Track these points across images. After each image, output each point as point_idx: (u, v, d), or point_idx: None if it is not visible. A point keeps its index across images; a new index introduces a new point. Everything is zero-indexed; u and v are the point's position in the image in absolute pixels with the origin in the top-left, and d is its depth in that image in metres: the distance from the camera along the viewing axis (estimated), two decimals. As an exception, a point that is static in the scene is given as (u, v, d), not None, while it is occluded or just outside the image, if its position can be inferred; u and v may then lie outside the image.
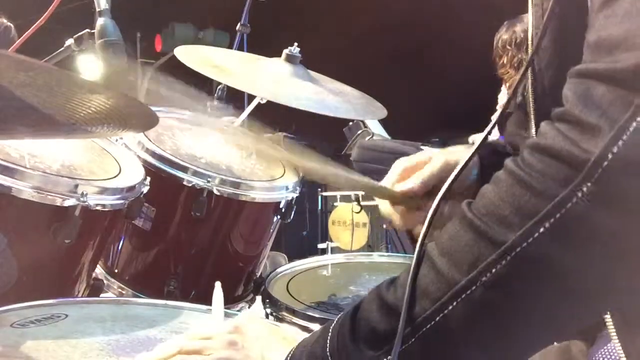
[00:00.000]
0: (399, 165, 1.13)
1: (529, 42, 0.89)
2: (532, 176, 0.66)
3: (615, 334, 0.75)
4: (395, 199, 1.10)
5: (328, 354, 0.77)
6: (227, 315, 1.10)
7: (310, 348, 0.80)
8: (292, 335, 0.91)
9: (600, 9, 0.68)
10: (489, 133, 0.83)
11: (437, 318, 0.69)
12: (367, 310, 0.76)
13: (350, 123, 3.78)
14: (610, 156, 0.62)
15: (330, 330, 0.79)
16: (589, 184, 0.63)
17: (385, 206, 1.13)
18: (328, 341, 0.78)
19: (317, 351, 0.78)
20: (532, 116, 0.90)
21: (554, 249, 0.65)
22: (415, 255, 0.74)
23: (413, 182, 1.08)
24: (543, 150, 0.66)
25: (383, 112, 1.96)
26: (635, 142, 0.61)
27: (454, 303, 0.68)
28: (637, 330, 0.75)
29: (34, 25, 1.55)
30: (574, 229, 0.64)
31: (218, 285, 1.12)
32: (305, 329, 1.35)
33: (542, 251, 0.65)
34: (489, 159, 1.05)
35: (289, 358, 0.82)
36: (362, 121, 3.74)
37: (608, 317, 0.76)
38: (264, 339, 0.89)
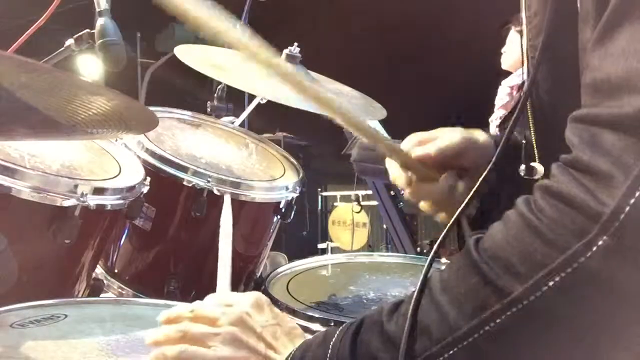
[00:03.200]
0: (415, 135, 1.09)
1: (524, 54, 0.89)
2: (543, 223, 0.63)
3: None
4: (408, 162, 1.05)
5: None
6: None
7: (311, 356, 0.80)
8: (296, 331, 0.91)
9: (595, 47, 0.65)
10: (508, 140, 0.81)
11: None
12: (368, 334, 0.75)
13: (350, 123, 3.76)
14: (627, 208, 0.59)
15: (331, 347, 0.78)
16: (605, 238, 0.59)
17: (395, 169, 1.09)
18: (328, 356, 0.77)
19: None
20: (532, 131, 0.90)
21: (563, 304, 0.62)
22: (418, 285, 0.72)
23: (430, 148, 1.04)
24: (556, 196, 0.63)
25: (383, 112, 1.96)
26: None
27: (455, 349, 0.67)
28: None
29: (34, 25, 1.55)
30: (587, 285, 0.61)
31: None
32: (305, 329, 1.35)
33: (550, 306, 0.62)
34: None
35: (289, 359, 0.82)
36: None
37: None
38: (268, 332, 0.88)
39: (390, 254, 2.31)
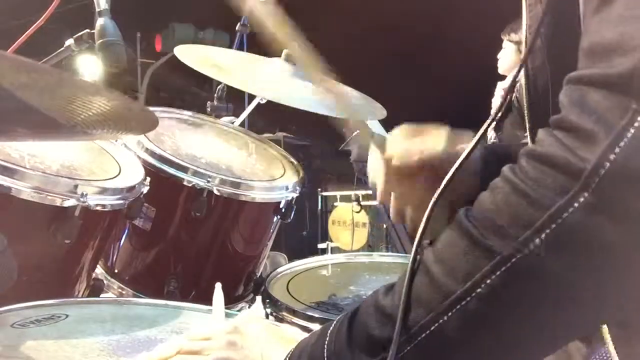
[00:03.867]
0: (402, 132, 1.08)
1: (523, 43, 0.89)
2: (527, 184, 0.65)
3: (610, 340, 0.75)
4: (389, 161, 1.05)
5: (326, 357, 0.77)
6: (227, 315, 1.10)
7: (309, 350, 0.80)
8: (291, 336, 0.91)
9: (593, 14, 0.67)
10: (485, 133, 0.82)
11: (433, 327, 0.69)
12: (364, 316, 0.76)
13: (351, 123, 3.78)
14: (607, 164, 0.60)
15: (328, 335, 0.79)
16: (585, 194, 0.61)
17: (376, 173, 1.09)
18: (326, 345, 0.78)
19: (316, 353, 0.79)
20: (526, 117, 0.89)
21: (549, 260, 0.64)
22: (410, 260, 0.74)
23: (411, 157, 1.04)
24: (539, 158, 0.65)
25: (383, 112, 1.96)
26: (633, 149, 0.60)
27: (449, 313, 0.68)
28: (634, 335, 0.75)
29: (34, 25, 1.55)
30: (571, 240, 0.63)
31: (218, 286, 1.12)
32: (305, 329, 1.35)
33: (537, 262, 0.64)
34: (491, 159, 1.04)
35: (287, 359, 0.82)
36: (362, 121, 3.74)
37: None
38: (263, 339, 0.89)
39: (390, 254, 2.31)
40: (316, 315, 1.41)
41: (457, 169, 0.77)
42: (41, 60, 1.55)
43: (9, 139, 0.97)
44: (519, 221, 0.65)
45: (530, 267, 0.64)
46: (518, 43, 3.73)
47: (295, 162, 1.95)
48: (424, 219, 0.76)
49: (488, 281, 0.66)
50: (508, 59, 3.81)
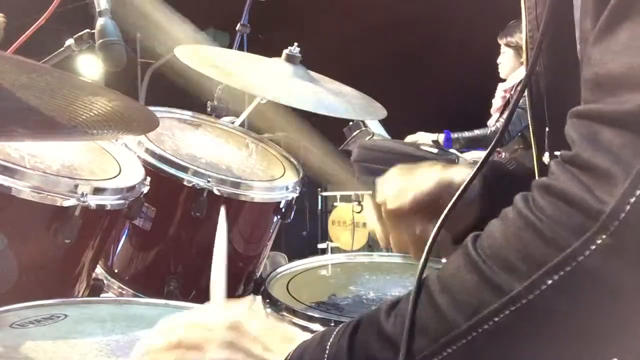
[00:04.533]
0: (395, 171, 1.09)
1: (524, 46, 0.89)
2: (542, 221, 0.62)
3: None
4: (385, 213, 1.07)
5: None
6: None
7: (308, 358, 0.80)
8: (291, 335, 0.91)
9: (595, 42, 0.64)
10: (489, 155, 0.80)
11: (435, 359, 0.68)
12: (365, 334, 0.75)
13: (350, 123, 3.79)
14: (627, 207, 0.58)
15: (328, 347, 0.78)
16: (604, 236, 0.59)
17: (372, 219, 1.10)
18: (326, 355, 0.77)
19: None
20: (530, 124, 0.89)
21: (562, 302, 0.62)
22: (414, 286, 0.72)
23: (403, 199, 1.04)
24: (555, 194, 0.63)
25: (383, 112, 1.96)
26: None
27: (454, 347, 0.67)
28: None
29: (34, 25, 1.55)
30: (585, 283, 0.61)
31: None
32: (305, 329, 1.35)
33: (549, 304, 0.62)
34: (492, 176, 1.03)
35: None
36: (362, 121, 3.75)
37: None
38: (263, 337, 0.88)
39: (390, 254, 2.31)
40: (316, 315, 1.41)
41: (456, 200, 0.76)
42: (41, 60, 1.55)
43: (9, 139, 0.97)
44: (532, 260, 0.63)
45: (540, 307, 0.63)
46: (515, 47, 3.75)
47: (295, 162, 1.95)
48: (425, 251, 0.76)
49: (496, 319, 0.64)
50: (508, 63, 3.82)
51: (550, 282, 0.61)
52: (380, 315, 0.75)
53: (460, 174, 1.05)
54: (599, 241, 0.59)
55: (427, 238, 0.90)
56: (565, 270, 0.61)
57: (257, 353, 0.85)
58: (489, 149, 0.81)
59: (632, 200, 0.58)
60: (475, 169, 0.79)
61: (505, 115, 3.46)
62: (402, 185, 1.06)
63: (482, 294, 0.65)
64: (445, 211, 0.76)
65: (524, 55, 0.90)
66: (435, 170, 1.06)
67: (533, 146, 0.91)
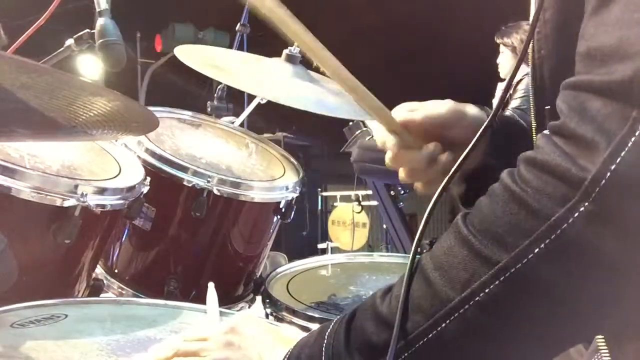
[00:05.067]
0: (405, 104, 1.06)
1: (529, 33, 0.88)
2: (527, 193, 0.64)
3: (605, 345, 0.75)
4: (393, 126, 1.02)
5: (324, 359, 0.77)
6: (222, 315, 1.10)
7: (307, 352, 0.80)
8: (289, 335, 0.91)
9: (590, 17, 0.66)
10: (499, 108, 0.80)
11: (430, 335, 0.69)
12: (362, 320, 0.76)
13: (350, 123, 3.79)
14: (608, 174, 0.59)
15: (326, 337, 0.79)
16: (586, 203, 0.60)
17: (381, 132, 1.06)
18: (324, 347, 0.78)
19: (314, 356, 0.78)
20: (531, 106, 0.89)
21: (548, 271, 0.63)
22: (409, 263, 0.73)
23: (415, 114, 1.01)
24: (539, 166, 0.64)
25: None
26: (634, 159, 0.59)
27: (447, 321, 0.68)
28: (625, 340, 0.74)
29: (34, 25, 1.55)
30: (570, 251, 0.62)
31: (211, 286, 1.12)
32: (305, 329, 1.35)
33: (536, 273, 0.64)
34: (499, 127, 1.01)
35: (286, 359, 0.82)
36: (362, 121, 3.75)
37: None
38: (261, 338, 0.89)
39: (390, 254, 2.31)
40: (316, 315, 1.41)
41: (460, 164, 0.77)
42: (41, 60, 1.55)
43: (9, 139, 0.97)
44: (518, 231, 0.64)
45: (528, 276, 0.64)
46: (512, 48, 3.75)
47: (295, 162, 1.95)
48: (422, 222, 0.76)
49: (487, 290, 0.66)
50: (507, 63, 3.83)
51: (536, 250, 0.63)
52: (375, 300, 0.76)
53: (473, 109, 1.04)
54: (581, 209, 0.61)
55: (425, 163, 0.90)
56: (550, 238, 0.62)
57: (255, 353, 0.85)
58: (487, 120, 0.81)
59: (613, 167, 0.59)
60: (474, 140, 0.79)
61: (508, 109, 3.46)
62: (414, 106, 1.04)
63: (473, 267, 0.67)
64: (450, 173, 0.77)
65: (531, 49, 0.89)
66: (448, 101, 1.04)
67: (532, 123, 0.91)
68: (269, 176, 1.82)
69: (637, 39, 0.61)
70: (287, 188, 1.79)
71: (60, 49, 1.62)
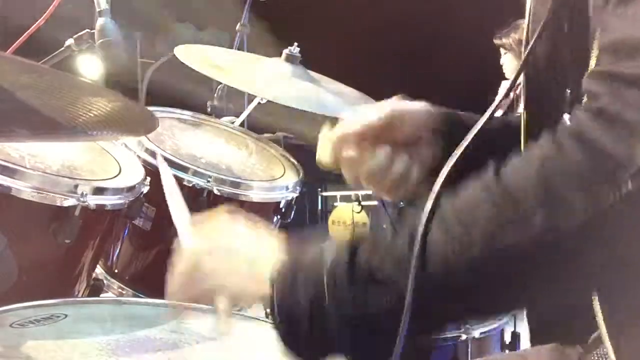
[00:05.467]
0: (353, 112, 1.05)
1: (525, 31, 0.89)
2: (569, 162, 0.67)
3: (607, 335, 0.76)
4: (337, 143, 1.00)
5: (325, 282, 0.75)
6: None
7: (304, 275, 0.77)
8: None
9: (615, 9, 0.68)
10: (493, 110, 0.82)
11: (443, 282, 0.71)
12: (370, 252, 0.75)
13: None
14: None
15: (330, 262, 0.76)
16: (629, 185, 0.64)
17: (325, 151, 1.03)
18: (326, 271, 0.76)
19: (313, 277, 0.76)
20: (523, 95, 0.91)
21: (580, 241, 0.67)
22: (426, 212, 0.73)
23: (351, 127, 0.99)
24: (585, 140, 0.66)
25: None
26: None
27: (463, 268, 0.69)
28: (628, 331, 0.75)
29: (34, 25, 1.55)
30: (608, 227, 0.66)
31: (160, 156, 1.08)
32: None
33: (566, 243, 0.67)
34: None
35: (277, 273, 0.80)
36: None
37: (600, 319, 0.76)
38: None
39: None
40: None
41: (451, 167, 0.77)
42: (41, 61, 1.55)
43: (9, 139, 0.97)
44: (555, 197, 0.66)
45: (556, 243, 0.67)
46: (511, 49, 3.75)
47: (295, 162, 1.95)
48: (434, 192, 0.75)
49: (510, 251, 0.68)
50: (510, 63, 3.82)
51: (572, 222, 0.66)
52: (386, 235, 0.78)
53: (415, 105, 1.03)
54: (623, 188, 0.64)
55: (375, 167, 0.93)
56: (589, 213, 0.65)
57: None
58: (485, 114, 0.82)
59: None
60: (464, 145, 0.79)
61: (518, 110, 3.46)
62: (352, 116, 1.03)
63: (498, 224, 0.68)
64: (444, 171, 0.77)
65: (523, 49, 0.90)
66: (387, 103, 1.02)
67: (522, 126, 0.92)
68: (269, 176, 1.82)
69: None
70: (287, 188, 1.79)
71: (60, 49, 1.62)
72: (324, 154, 1.02)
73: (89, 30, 1.57)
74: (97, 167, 1.49)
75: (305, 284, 0.76)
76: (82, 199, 1.32)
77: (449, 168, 0.76)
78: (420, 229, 0.71)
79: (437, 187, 0.75)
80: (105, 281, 1.66)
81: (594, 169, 0.66)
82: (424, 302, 0.70)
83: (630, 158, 0.64)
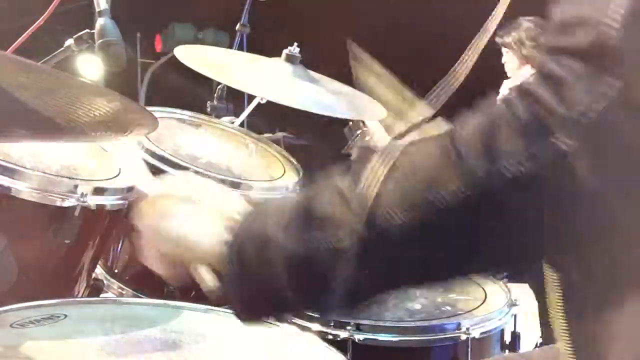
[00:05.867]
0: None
1: None
2: (514, 118, 0.71)
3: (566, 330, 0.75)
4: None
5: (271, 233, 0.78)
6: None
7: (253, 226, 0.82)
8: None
9: None
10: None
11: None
12: (320, 198, 0.79)
13: (350, 123, 3.78)
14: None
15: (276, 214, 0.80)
16: (568, 138, 0.67)
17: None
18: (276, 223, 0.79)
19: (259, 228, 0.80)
20: None
21: (519, 194, 0.70)
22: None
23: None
24: (529, 96, 0.71)
25: (383, 112, 1.97)
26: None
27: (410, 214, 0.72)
28: (588, 322, 0.74)
29: (34, 25, 1.55)
30: (546, 181, 0.69)
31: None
32: (305, 328, 1.35)
33: (509, 194, 0.70)
34: None
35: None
36: (362, 121, 3.75)
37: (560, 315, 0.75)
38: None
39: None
40: (316, 315, 1.41)
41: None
42: (41, 61, 1.55)
43: (9, 139, 0.97)
44: (501, 151, 0.70)
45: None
46: (511, 47, 3.75)
47: (295, 162, 1.95)
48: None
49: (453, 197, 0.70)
50: (511, 62, 3.82)
51: (513, 173, 0.68)
52: (335, 179, 0.81)
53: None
54: (563, 145, 0.67)
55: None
56: (529, 165, 0.68)
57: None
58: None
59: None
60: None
61: None
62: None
63: (447, 172, 0.72)
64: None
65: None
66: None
67: None
68: (268, 176, 1.82)
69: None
70: (287, 188, 1.79)
71: (60, 49, 1.62)
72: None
73: (88, 30, 1.57)
74: (97, 167, 1.49)
75: (257, 223, 0.81)
76: (82, 199, 1.32)
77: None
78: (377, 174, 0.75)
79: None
80: (105, 281, 1.66)
81: (534, 123, 0.69)
82: (368, 251, 0.74)
83: (568, 110, 0.67)
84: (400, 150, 0.77)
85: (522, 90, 0.73)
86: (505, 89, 3.83)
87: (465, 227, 0.72)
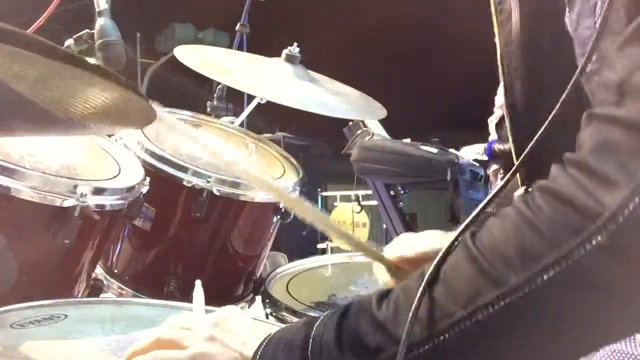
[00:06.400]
0: (400, 241, 1.17)
1: (498, 60, 0.90)
2: (540, 220, 0.65)
3: None
4: (389, 265, 1.13)
5: (309, 353, 0.77)
6: (208, 312, 1.10)
7: (290, 337, 0.80)
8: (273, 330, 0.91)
9: (623, 47, 0.65)
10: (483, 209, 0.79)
11: (427, 346, 0.70)
12: (355, 319, 0.76)
13: (350, 123, 3.78)
14: (626, 211, 0.60)
15: (315, 328, 0.79)
16: (599, 237, 0.61)
17: (381, 272, 1.15)
18: (312, 337, 0.78)
19: (296, 344, 0.78)
20: (509, 131, 0.91)
21: (556, 297, 0.64)
22: (425, 279, 0.72)
23: (409, 251, 1.12)
24: (555, 196, 0.65)
25: (383, 112, 1.97)
26: None
27: (446, 335, 0.68)
28: None
29: (34, 25, 1.55)
30: (579, 279, 0.63)
31: (198, 283, 1.12)
32: (305, 329, 1.34)
33: (544, 298, 0.64)
34: None
35: (265, 342, 0.81)
36: (362, 121, 3.75)
37: None
38: (245, 332, 0.88)
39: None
40: (316, 316, 1.41)
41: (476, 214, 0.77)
42: (41, 60, 1.54)
43: (5, 133, 0.95)
44: (529, 254, 0.65)
45: (536, 301, 0.65)
46: None
47: (295, 162, 1.95)
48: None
49: (491, 310, 0.66)
50: None
51: (545, 277, 0.63)
52: (371, 303, 0.76)
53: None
54: (594, 241, 0.61)
55: None
56: (562, 266, 0.63)
57: (238, 346, 0.85)
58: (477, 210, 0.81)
59: (632, 205, 0.60)
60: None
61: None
62: (408, 242, 1.16)
63: (479, 285, 0.67)
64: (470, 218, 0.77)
65: (500, 69, 0.91)
66: (437, 234, 1.14)
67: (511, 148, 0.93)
68: (268, 176, 1.82)
69: None
70: (287, 188, 1.79)
71: (60, 49, 1.62)
72: (381, 276, 1.16)
73: (88, 30, 1.57)
74: (96, 167, 1.49)
75: (290, 348, 0.79)
76: (81, 200, 1.32)
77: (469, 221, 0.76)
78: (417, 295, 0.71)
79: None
80: (105, 281, 1.66)
81: (562, 223, 0.64)
82: None
83: (600, 211, 0.61)
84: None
85: (549, 192, 0.66)
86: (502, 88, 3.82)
87: (507, 336, 0.68)
